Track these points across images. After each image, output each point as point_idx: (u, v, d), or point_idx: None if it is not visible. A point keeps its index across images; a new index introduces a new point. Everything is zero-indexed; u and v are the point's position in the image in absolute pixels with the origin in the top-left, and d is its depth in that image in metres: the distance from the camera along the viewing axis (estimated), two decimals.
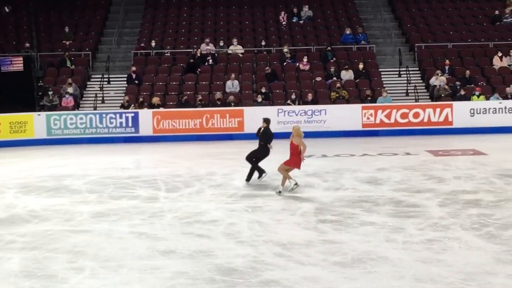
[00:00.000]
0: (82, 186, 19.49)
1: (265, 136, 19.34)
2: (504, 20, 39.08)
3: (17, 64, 32.93)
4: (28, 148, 28.92)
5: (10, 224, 15.15)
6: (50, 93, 32.63)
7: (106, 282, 11.12)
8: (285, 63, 35.62)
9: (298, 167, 17.74)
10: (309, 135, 28.95)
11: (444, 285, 10.53)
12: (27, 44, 35.76)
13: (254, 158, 19.44)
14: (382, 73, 35.49)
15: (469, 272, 11.08)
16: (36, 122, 30.46)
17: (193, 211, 15.94)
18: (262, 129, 19.43)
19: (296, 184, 17.56)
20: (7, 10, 37.37)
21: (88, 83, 35.53)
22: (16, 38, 38.35)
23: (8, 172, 22.84)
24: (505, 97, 32.02)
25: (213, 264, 11.78)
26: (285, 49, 36.00)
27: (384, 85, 33.99)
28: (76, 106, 32.87)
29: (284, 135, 29.31)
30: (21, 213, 16.26)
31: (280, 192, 17.56)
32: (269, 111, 30.81)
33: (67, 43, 37.40)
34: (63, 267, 11.89)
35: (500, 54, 35.40)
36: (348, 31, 37.53)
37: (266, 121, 19.58)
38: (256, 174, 19.48)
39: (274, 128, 29.89)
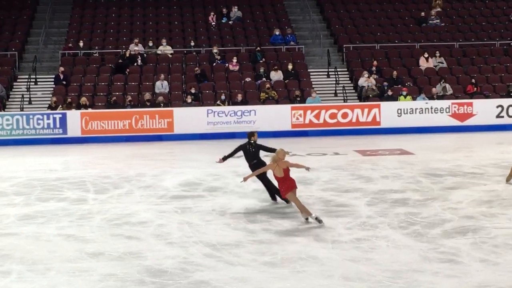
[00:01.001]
0: (8, 188, 19.18)
1: (249, 157, 16.88)
2: (430, 21, 39.72)
3: None
4: None
5: None
6: None
7: (33, 286, 10.96)
8: (214, 64, 35.61)
9: (294, 186, 14.94)
10: (239, 135, 29.10)
11: (372, 283, 10.65)
12: None
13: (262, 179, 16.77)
14: (311, 73, 35.76)
15: (397, 270, 11.23)
16: None
17: (122, 213, 15.82)
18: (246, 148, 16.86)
19: (307, 218, 14.59)
20: None
21: (15, 83, 34.98)
22: None
23: None
24: (431, 97, 32.58)
25: (143, 266, 11.72)
26: (215, 50, 36.00)
27: (313, 86, 34.25)
28: (2, 107, 32.32)
29: (214, 136, 29.56)
30: None
31: (317, 218, 14.37)
32: (199, 111, 30.87)
33: None
34: None
35: (426, 55, 35.99)
36: (277, 32, 37.71)
37: (248, 135, 17.07)
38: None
39: (204, 129, 30.31)
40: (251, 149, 16.80)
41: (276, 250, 12.54)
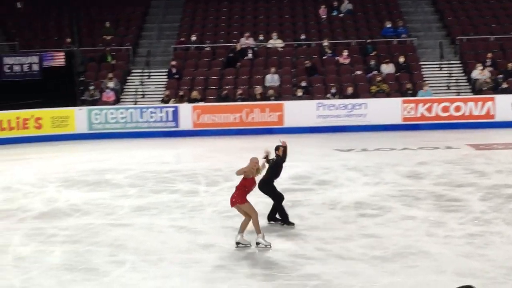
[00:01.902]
0: (123, 180, 19.61)
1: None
2: None
3: (58, 59, 33.15)
4: (70, 143, 29.12)
5: (52, 218, 15.31)
6: (91, 87, 32.83)
7: (146, 276, 11.19)
8: (325, 57, 35.48)
9: (242, 201, 13.38)
10: (349, 129, 29.03)
11: (485, 280, 10.43)
12: (69, 40, 36.02)
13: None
14: (423, 66, 35.18)
15: None
16: (77, 117, 30.68)
17: None
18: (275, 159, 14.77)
19: (238, 243, 12.79)
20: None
21: (129, 77, 35.68)
22: (57, 34, 38.61)
23: (50, 166, 23.03)
24: None
25: (253, 258, 11.80)
26: (325, 43, 35.85)
27: (425, 79, 33.72)
28: (117, 101, 33.05)
29: (324, 130, 29.46)
30: (63, 207, 16.42)
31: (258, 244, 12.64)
32: (309, 105, 30.83)
33: (108, 38, 37.57)
34: (104, 260, 12.00)
35: None
36: (388, 24, 37.27)
37: (275, 149, 14.96)
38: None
39: (314, 122, 30.27)
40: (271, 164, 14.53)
41: (387, 244, 12.43)
